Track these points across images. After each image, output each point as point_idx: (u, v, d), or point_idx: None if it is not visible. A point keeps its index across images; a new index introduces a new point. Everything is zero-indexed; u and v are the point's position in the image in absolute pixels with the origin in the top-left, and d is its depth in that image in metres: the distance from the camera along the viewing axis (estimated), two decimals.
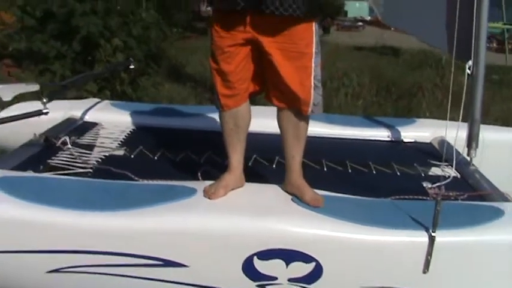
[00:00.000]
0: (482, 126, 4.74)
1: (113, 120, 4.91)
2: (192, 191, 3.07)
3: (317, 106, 3.01)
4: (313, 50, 2.94)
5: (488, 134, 4.56)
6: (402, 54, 16.17)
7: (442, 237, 2.74)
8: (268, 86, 3.08)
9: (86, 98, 5.81)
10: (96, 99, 5.43)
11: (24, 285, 3.06)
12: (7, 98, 5.17)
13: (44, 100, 4.09)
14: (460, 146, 4.11)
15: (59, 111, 4.75)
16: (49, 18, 8.10)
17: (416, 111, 8.22)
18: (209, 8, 3.57)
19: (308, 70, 2.94)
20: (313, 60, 2.94)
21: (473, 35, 3.89)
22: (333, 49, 19.52)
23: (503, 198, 3.45)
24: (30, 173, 3.52)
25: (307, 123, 3.12)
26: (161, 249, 2.84)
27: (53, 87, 6.44)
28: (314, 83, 2.96)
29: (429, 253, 2.74)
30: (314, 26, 2.93)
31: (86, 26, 7.69)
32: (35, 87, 5.52)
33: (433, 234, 2.72)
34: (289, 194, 3.13)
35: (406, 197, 3.36)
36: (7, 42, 10.27)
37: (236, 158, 3.21)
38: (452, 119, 3.92)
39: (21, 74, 10.41)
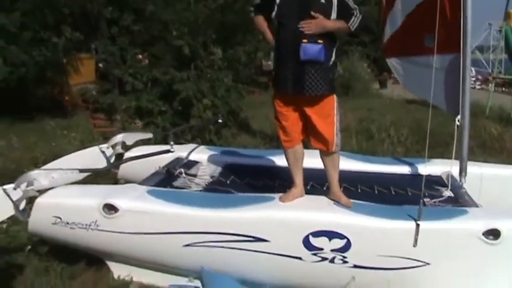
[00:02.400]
0: (483, 164, 6.53)
1: (209, 159, 6.82)
2: (272, 198, 4.96)
3: (338, 146, 4.94)
4: (335, 112, 4.88)
5: (486, 169, 6.33)
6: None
7: (424, 224, 4.49)
8: (309, 135, 4.99)
9: (184, 143, 7.65)
10: (195, 145, 7.30)
11: (167, 254, 4.91)
12: (130, 142, 7.08)
13: (171, 143, 5.97)
14: (470, 180, 5.91)
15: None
16: (154, 82, 10.17)
17: (448, 156, 9.73)
18: (270, 63, 5.36)
19: (332, 125, 4.87)
20: (335, 118, 4.88)
21: (460, 98, 5.66)
22: (386, 103, 21.08)
23: (475, 205, 5.21)
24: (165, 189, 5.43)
25: (338, 156, 5.05)
26: (255, 230, 4.67)
27: (161, 136, 8.36)
28: (336, 133, 4.88)
29: (416, 233, 4.49)
30: (334, 97, 4.88)
31: (185, 90, 9.71)
32: (149, 135, 7.47)
33: (418, 222, 4.49)
34: (332, 200, 4.98)
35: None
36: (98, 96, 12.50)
37: (298, 178, 5.09)
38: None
39: (107, 125, 12.47)
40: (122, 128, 12.02)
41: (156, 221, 4.82)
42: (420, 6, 6.35)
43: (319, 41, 4.61)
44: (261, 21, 5.04)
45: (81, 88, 20.86)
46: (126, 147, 7.00)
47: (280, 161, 6.24)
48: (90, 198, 4.98)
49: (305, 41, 4.58)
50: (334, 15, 4.71)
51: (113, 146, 6.88)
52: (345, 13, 4.72)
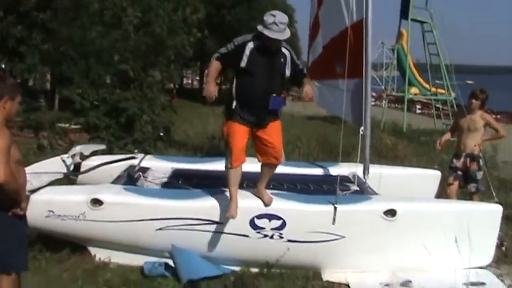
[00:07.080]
0: (380, 166, 8.11)
1: (157, 165, 8.11)
2: (224, 191, 6.28)
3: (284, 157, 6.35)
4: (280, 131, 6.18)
5: (384, 170, 7.95)
6: (347, 122, 19.25)
7: (340, 207, 6.00)
8: (262, 154, 6.18)
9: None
10: (142, 154, 8.51)
11: (143, 237, 6.19)
12: (87, 153, 8.21)
13: (136, 151, 7.24)
14: (371, 178, 7.51)
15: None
16: (101, 101, 11.48)
17: (352, 161, 11.30)
18: None
19: (281, 142, 6.19)
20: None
21: (363, 113, 7.25)
22: (288, 119, 22.64)
23: (374, 193, 6.81)
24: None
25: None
26: (212, 215, 6.05)
27: (112, 147, 9.57)
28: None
29: (334, 214, 6.00)
30: (280, 120, 6.19)
31: (130, 107, 11.08)
32: (102, 147, 8.66)
33: (335, 206, 6.00)
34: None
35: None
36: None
37: (235, 195, 6.08)
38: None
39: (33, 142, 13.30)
40: (49, 144, 13.05)
41: (134, 211, 6.10)
42: (333, 39, 7.96)
43: (282, 95, 5.95)
44: (217, 67, 6.04)
45: None
46: (84, 157, 8.15)
47: (214, 166, 7.72)
48: (79, 195, 6.23)
49: (274, 95, 5.86)
50: (288, 72, 6.04)
51: (73, 156, 7.97)
52: (295, 69, 6.08)
